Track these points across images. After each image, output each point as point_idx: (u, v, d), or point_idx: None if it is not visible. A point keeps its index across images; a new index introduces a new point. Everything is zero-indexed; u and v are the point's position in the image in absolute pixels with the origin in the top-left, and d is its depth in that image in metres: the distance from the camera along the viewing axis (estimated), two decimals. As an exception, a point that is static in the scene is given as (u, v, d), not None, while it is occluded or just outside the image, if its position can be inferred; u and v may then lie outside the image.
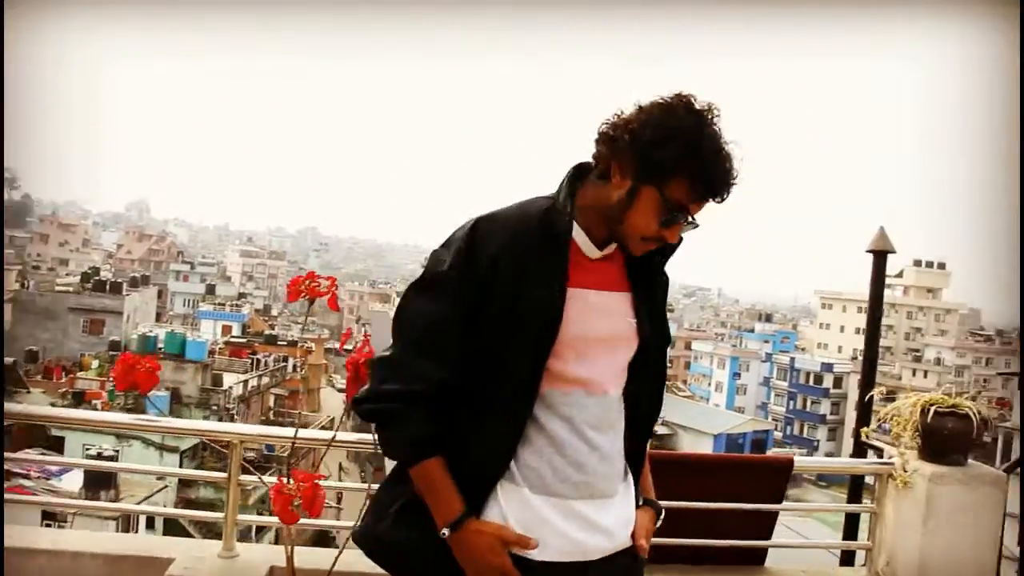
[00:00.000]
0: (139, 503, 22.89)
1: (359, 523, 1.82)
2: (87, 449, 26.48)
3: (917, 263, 75.58)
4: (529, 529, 1.62)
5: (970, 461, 3.18)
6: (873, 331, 3.82)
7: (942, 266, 77.65)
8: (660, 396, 1.86)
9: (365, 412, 1.71)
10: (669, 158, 1.57)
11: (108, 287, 49.80)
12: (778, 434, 58.23)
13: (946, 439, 3.08)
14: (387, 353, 1.71)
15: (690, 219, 1.64)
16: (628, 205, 1.62)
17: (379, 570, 3.03)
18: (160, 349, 38.17)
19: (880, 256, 3.85)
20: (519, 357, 1.64)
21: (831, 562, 3.71)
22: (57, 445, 29.96)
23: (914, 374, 57.26)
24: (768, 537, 3.20)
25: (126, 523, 21.37)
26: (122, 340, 43.38)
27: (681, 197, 1.59)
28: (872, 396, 3.78)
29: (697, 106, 1.59)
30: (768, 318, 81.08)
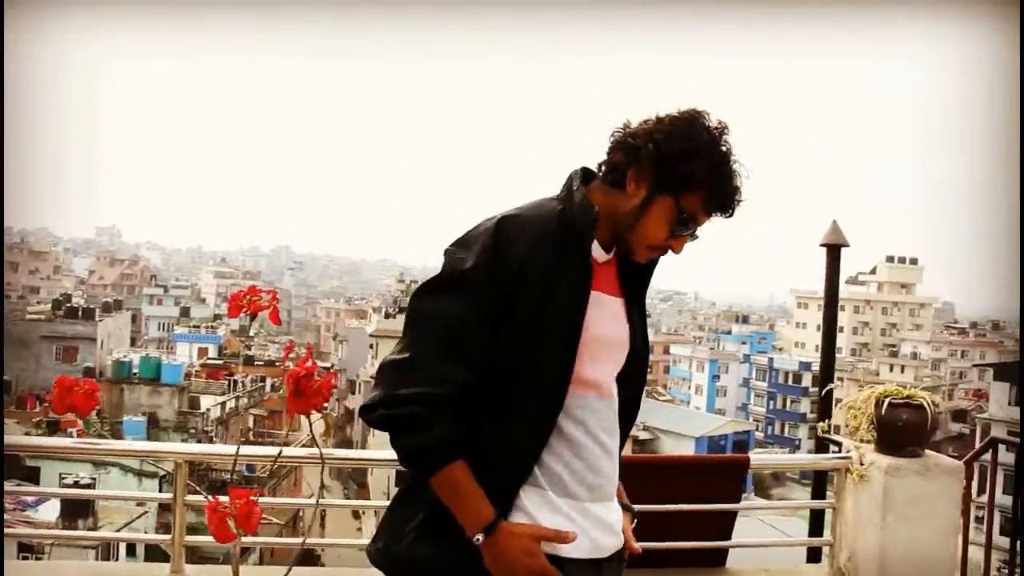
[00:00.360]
0: (118, 530, 22.56)
1: (375, 543, 1.75)
2: (63, 478, 26.01)
3: (890, 259, 76.35)
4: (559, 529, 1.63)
5: (927, 452, 3.17)
6: (830, 326, 3.81)
7: (914, 261, 78.47)
8: (639, 402, 1.88)
9: (380, 419, 1.62)
10: (691, 172, 1.62)
11: (80, 313, 49.22)
12: (760, 434, 58.46)
13: (901, 431, 3.06)
14: (402, 355, 1.63)
15: (696, 232, 1.70)
16: (642, 213, 1.66)
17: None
18: (135, 374, 37.79)
19: (833, 250, 3.85)
20: (548, 361, 1.64)
21: (799, 559, 3.68)
22: (33, 475, 29.43)
23: (891, 369, 57.81)
24: (728, 537, 3.17)
25: (106, 551, 21.02)
26: (96, 366, 42.85)
27: (695, 209, 1.65)
28: (831, 390, 3.76)
29: (714, 123, 1.66)
30: (745, 319, 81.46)
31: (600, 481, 1.70)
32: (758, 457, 3.32)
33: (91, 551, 20.01)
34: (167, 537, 2.93)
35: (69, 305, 50.62)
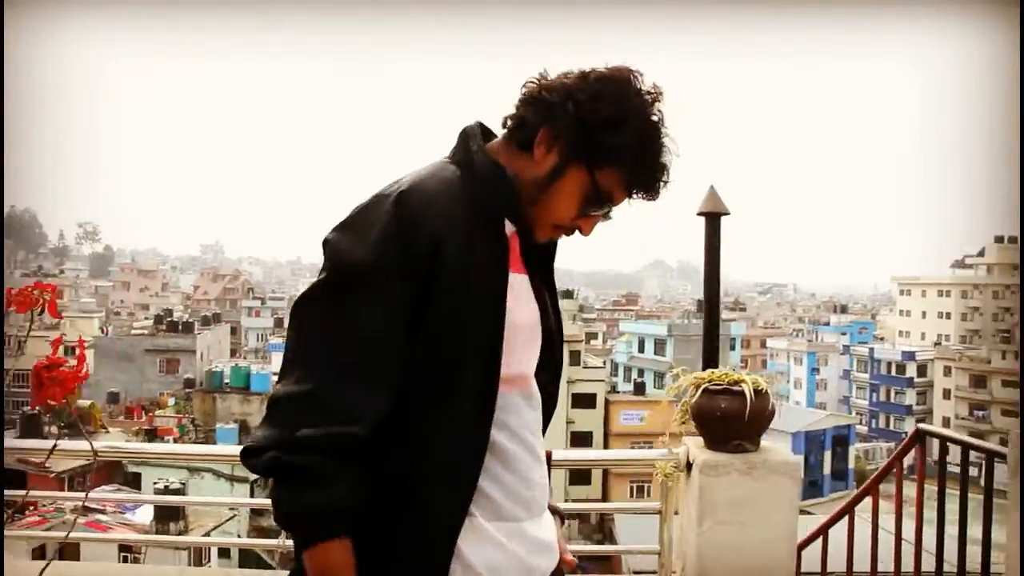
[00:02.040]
0: (207, 534, 23.40)
1: None
2: (156, 484, 27.23)
3: (999, 239, 71.79)
4: (496, 569, 1.35)
5: (765, 445, 2.72)
6: (711, 302, 3.37)
7: (1027, 240, 73.42)
8: (557, 394, 1.59)
9: (268, 463, 1.24)
10: (613, 144, 1.35)
11: (180, 327, 51.59)
12: (863, 428, 55.99)
13: (720, 421, 2.63)
14: (299, 387, 1.26)
15: (610, 212, 1.43)
16: (549, 185, 1.38)
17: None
18: (227, 384, 39.28)
19: (712, 218, 3.40)
20: (472, 360, 1.33)
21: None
22: (134, 481, 30.94)
23: (1003, 356, 54.33)
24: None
25: (197, 554, 21.85)
26: (196, 377, 44.85)
27: (612, 187, 1.39)
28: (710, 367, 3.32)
29: (646, 87, 1.38)
30: (843, 309, 78.19)
31: (534, 493, 1.42)
32: (566, 453, 2.90)
33: (183, 552, 20.82)
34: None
35: (170, 319, 53.07)
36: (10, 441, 3.03)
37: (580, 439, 42.71)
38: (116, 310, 73.95)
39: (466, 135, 1.45)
